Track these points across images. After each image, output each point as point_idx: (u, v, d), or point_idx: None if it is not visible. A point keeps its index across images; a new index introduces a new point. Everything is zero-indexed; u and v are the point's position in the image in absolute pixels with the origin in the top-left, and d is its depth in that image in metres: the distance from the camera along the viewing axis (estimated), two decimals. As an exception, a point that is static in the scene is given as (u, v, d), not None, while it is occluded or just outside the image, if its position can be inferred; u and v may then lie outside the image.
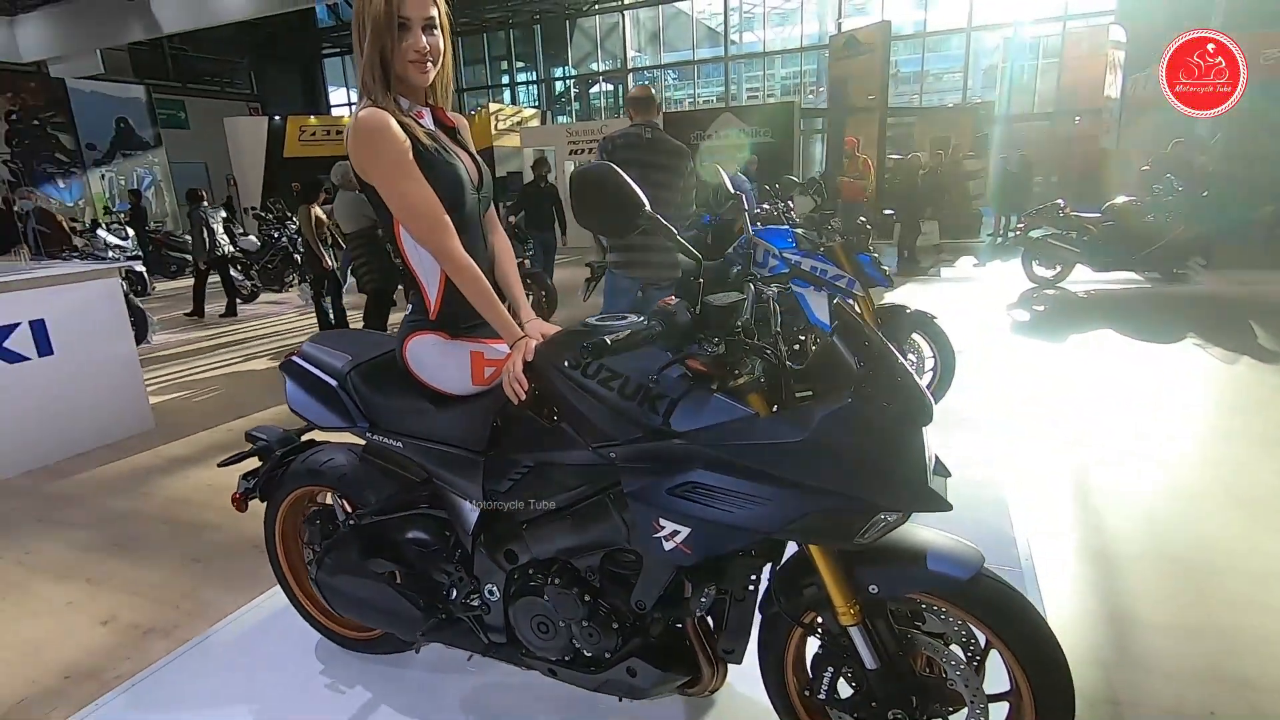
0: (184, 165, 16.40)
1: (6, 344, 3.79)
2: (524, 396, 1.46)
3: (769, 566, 1.44)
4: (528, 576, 1.59)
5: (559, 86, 22.45)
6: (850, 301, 3.54)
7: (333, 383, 1.76)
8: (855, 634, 1.34)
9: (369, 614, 1.78)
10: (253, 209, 12.57)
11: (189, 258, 8.60)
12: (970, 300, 7.40)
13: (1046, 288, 7.65)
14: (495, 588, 1.63)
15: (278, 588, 2.20)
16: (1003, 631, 1.30)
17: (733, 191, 3.08)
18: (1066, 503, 2.96)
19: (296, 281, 9.13)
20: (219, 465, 2.01)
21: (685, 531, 1.28)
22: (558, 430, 1.45)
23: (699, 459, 1.27)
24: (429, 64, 1.51)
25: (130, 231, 9.75)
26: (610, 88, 21.87)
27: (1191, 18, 9.47)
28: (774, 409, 1.32)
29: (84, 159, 14.12)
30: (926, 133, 15.14)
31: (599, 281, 4.32)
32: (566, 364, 1.39)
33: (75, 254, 7.82)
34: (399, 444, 1.68)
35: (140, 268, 9.44)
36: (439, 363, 1.63)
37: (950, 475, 1.38)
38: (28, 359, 3.89)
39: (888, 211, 12.76)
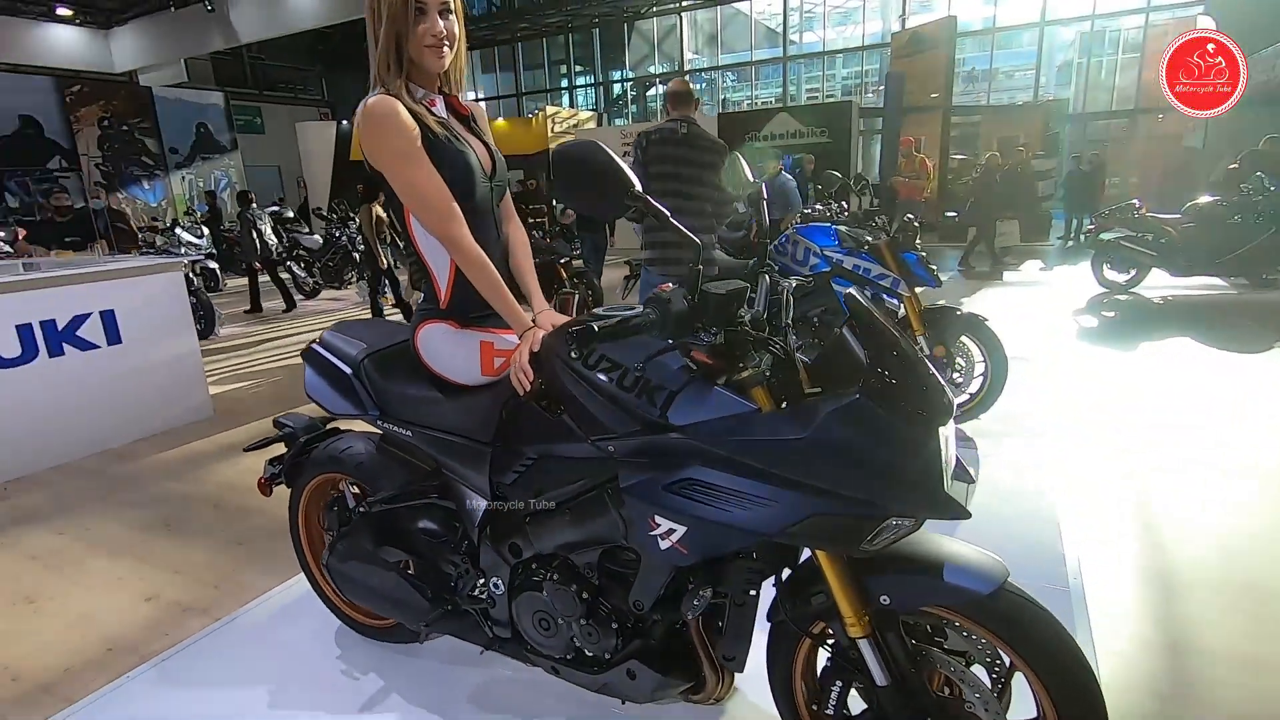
0: (258, 168, 17.23)
1: (79, 332, 4.02)
2: (528, 387, 1.44)
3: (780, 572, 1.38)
4: (531, 571, 1.56)
5: (616, 89, 22.58)
6: (895, 302, 3.41)
7: (347, 370, 1.78)
8: (865, 647, 1.26)
9: (376, 601, 1.79)
10: (317, 209, 13.09)
11: (278, 256, 9.06)
12: (1034, 304, 7.05)
13: (1118, 293, 7.22)
14: (500, 581, 1.61)
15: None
16: (1027, 653, 1.19)
17: (751, 180, 3.00)
18: (1125, 518, 2.74)
19: (355, 279, 9.43)
20: (244, 450, 2.06)
21: (681, 530, 1.22)
22: (560, 423, 1.42)
23: (697, 455, 1.21)
24: (445, 48, 1.50)
25: (205, 230, 10.29)
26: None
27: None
28: (783, 405, 1.25)
29: (167, 162, 15.01)
30: (993, 131, 14.57)
31: (638, 279, 4.29)
32: (571, 354, 1.35)
33: (151, 250, 8.29)
34: (409, 433, 1.68)
35: (214, 264, 9.94)
36: (449, 352, 1.62)
37: (974, 481, 1.28)
38: (98, 347, 4.11)
39: (950, 214, 12.33)
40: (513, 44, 21.84)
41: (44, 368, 3.87)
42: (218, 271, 10.10)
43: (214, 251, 10.17)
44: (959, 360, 3.47)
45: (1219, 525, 2.66)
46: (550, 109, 16.96)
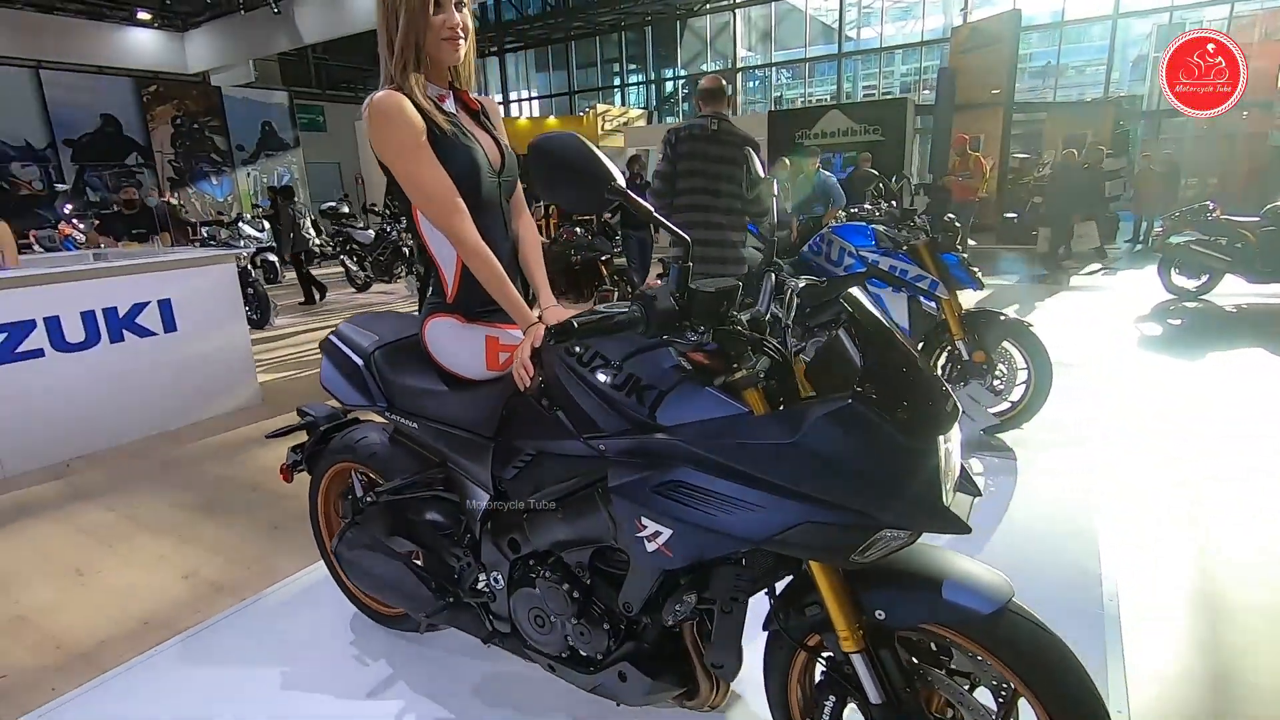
0: (319, 165, 17.84)
1: (138, 319, 4.23)
2: (529, 383, 1.44)
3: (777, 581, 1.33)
4: (527, 567, 1.56)
5: (668, 87, 22.53)
6: (933, 305, 3.29)
7: (359, 362, 1.81)
8: (859, 662, 1.21)
9: (382, 590, 1.82)
10: (372, 205, 13.46)
11: (313, 250, 9.37)
12: (1096, 310, 6.71)
13: (1187, 299, 6.82)
14: (500, 576, 1.62)
15: (326, 557, 2.29)
16: (1030, 678, 1.13)
17: (761, 175, 2.93)
18: (1171, 534, 2.58)
19: (404, 273, 9.66)
20: (266, 437, 2.12)
21: (668, 533, 1.20)
22: (557, 419, 1.41)
23: (685, 457, 1.18)
24: (461, 40, 1.51)
25: (266, 224, 10.69)
26: (719, 87, 21.66)
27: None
28: (780, 408, 1.21)
29: (234, 159, 15.68)
30: (1059, 129, 13.96)
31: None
32: (578, 350, 1.34)
33: (213, 242, 8.65)
34: (415, 425, 1.70)
35: (273, 257, 10.32)
36: (454, 346, 1.63)
37: (980, 495, 1.21)
38: (155, 334, 4.31)
39: (1010, 215, 11.85)
40: (566, 43, 22.03)
41: (105, 353, 4.07)
42: (277, 264, 10.50)
43: (274, 245, 10.58)
44: (1000, 367, 3.33)
45: (1275, 542, 2.48)
46: (601, 106, 17.03)
